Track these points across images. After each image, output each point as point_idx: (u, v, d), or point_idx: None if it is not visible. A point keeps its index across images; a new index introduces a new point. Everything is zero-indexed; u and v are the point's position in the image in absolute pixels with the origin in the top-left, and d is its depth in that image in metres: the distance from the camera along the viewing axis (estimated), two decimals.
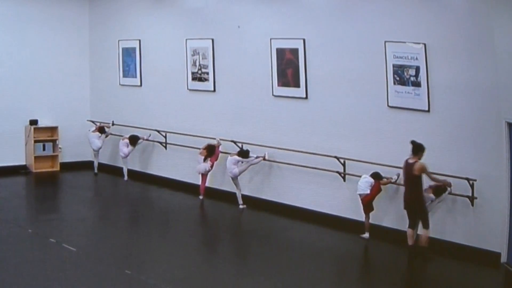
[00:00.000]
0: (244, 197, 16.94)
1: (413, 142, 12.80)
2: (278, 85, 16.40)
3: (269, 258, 13.35)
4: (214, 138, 17.62)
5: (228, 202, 17.23)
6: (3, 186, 19.14)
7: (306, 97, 15.81)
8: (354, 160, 14.75)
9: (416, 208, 12.83)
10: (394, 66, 13.88)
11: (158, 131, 19.48)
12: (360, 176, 14.27)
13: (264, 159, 16.53)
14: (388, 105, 14.15)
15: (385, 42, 13.99)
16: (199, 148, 17.64)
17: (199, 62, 18.38)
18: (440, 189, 13.06)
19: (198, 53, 18.36)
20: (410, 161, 12.75)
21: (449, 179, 13.00)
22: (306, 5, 15.74)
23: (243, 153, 16.72)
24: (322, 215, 15.50)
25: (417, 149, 12.73)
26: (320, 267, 12.85)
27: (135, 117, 20.42)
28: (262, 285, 11.74)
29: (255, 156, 16.62)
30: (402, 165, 13.01)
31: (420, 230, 12.89)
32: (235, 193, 17.00)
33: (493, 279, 12.37)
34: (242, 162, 16.63)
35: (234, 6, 17.47)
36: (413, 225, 12.91)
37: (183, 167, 18.77)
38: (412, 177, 12.74)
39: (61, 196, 19.41)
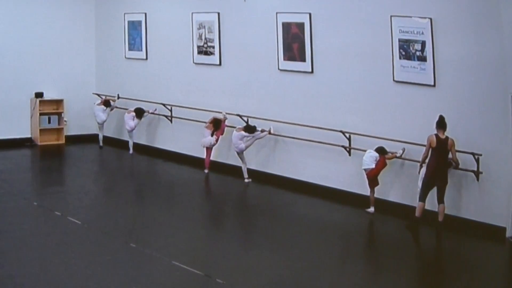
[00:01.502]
0: (250, 171, 16.95)
1: (441, 117, 12.70)
2: (284, 59, 16.33)
3: (274, 232, 13.37)
4: (220, 112, 17.59)
5: (234, 176, 17.25)
6: (8, 159, 19.19)
7: (312, 72, 15.75)
8: (360, 134, 14.73)
9: (443, 182, 12.81)
10: (400, 40, 13.81)
11: (164, 105, 19.46)
12: (365, 151, 14.25)
13: (270, 133, 16.51)
14: (393, 80, 14.09)
15: (391, 16, 13.91)
16: (204, 122, 17.62)
17: (205, 35, 18.31)
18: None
19: (204, 27, 18.29)
20: (442, 136, 12.65)
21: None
22: None
23: (250, 129, 16.64)
24: (328, 189, 15.50)
25: (445, 124, 12.67)
26: (325, 241, 12.87)
27: (140, 91, 20.40)
28: (267, 259, 11.75)
29: (260, 130, 16.60)
30: (427, 139, 12.75)
31: (432, 204, 12.90)
32: (240, 167, 17.01)
33: (498, 253, 12.39)
34: (248, 137, 16.60)
35: None
36: (425, 199, 12.86)
37: (189, 140, 18.77)
38: (445, 151, 12.69)
39: (66, 169, 19.46)
